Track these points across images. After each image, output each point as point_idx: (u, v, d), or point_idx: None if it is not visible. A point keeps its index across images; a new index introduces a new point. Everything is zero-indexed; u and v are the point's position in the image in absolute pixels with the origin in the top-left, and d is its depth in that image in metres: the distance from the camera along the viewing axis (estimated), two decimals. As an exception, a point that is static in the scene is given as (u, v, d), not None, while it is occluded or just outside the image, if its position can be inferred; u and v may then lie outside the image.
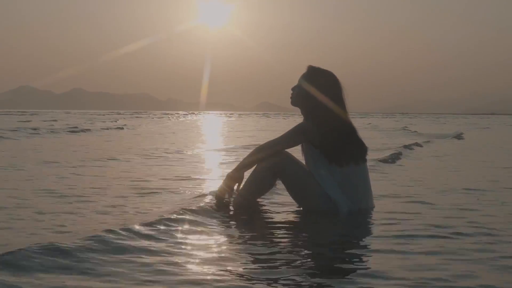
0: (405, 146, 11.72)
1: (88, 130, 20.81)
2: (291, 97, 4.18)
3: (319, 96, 4.04)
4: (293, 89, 4.18)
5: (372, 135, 18.86)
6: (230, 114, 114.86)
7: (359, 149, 4.08)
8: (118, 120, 39.41)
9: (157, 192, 4.93)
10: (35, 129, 19.42)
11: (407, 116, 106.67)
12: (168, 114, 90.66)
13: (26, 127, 20.68)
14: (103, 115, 67.90)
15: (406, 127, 28.87)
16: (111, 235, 2.97)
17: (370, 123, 38.18)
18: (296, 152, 4.18)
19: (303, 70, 4.18)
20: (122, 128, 23.36)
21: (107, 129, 22.83)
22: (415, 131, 22.66)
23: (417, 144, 12.73)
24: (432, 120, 59.77)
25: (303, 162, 4.17)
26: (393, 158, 8.90)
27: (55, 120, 35.72)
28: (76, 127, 22.72)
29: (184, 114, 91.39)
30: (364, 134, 18.59)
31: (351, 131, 4.09)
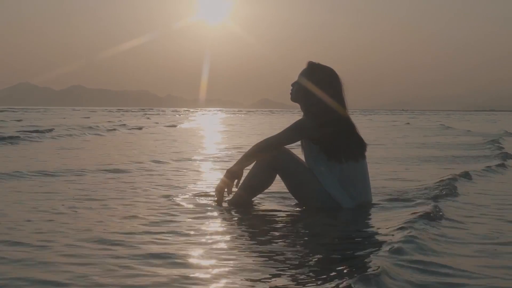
0: (490, 143, 11.82)
1: (140, 128, 20.83)
2: (290, 93, 4.19)
3: (318, 92, 4.04)
4: (292, 85, 4.19)
5: (425, 133, 18.97)
6: (239, 111, 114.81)
7: (358, 146, 4.08)
8: (148, 117, 39.38)
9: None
10: (90, 127, 19.43)
11: (414, 113, 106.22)
12: (177, 111, 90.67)
13: (74, 125, 20.65)
14: (120, 112, 67.58)
15: (443, 124, 28.92)
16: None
17: (401, 121, 37.96)
18: (296, 148, 4.22)
19: (303, 66, 4.17)
20: (175, 126, 23.49)
21: (153, 126, 22.91)
22: (465, 129, 22.44)
23: (495, 142, 12.77)
24: (446, 117, 59.73)
25: (303, 158, 4.18)
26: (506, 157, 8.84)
27: (88, 117, 35.71)
28: (124, 125, 22.77)
29: (194, 111, 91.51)
30: (414, 133, 18.25)
31: (350, 128, 4.09)
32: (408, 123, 31.42)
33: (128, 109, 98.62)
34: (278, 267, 2.55)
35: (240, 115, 62.79)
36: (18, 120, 27.75)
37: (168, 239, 3.06)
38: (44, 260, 2.62)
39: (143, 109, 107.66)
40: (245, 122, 33.29)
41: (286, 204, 4.25)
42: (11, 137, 12.19)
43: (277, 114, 65.30)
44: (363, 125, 26.99)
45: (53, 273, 2.43)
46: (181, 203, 4.24)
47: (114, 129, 18.64)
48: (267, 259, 2.69)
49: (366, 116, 59.71)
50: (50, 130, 16.27)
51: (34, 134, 13.86)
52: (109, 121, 27.20)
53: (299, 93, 4.14)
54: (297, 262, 2.65)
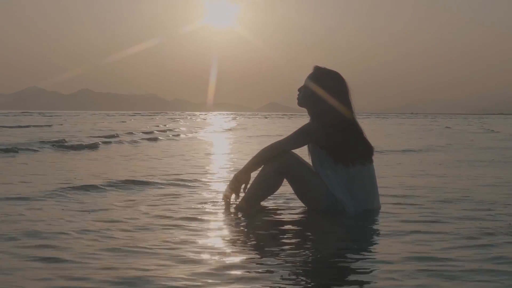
0: None
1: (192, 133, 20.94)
2: (297, 98, 4.19)
3: (325, 96, 4.04)
4: (299, 89, 4.18)
5: (485, 137, 18.91)
6: (253, 114, 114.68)
7: (365, 150, 4.06)
8: (179, 120, 39.35)
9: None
10: (148, 132, 19.51)
11: (428, 117, 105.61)
12: (194, 115, 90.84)
13: (129, 131, 20.66)
14: (137, 116, 67.37)
15: (483, 127, 28.80)
16: None
17: (439, 126, 37.62)
18: (303, 152, 4.19)
19: (310, 70, 4.18)
20: (230, 130, 23.70)
21: (200, 131, 22.93)
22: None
23: None
24: (464, 120, 59.39)
25: (310, 162, 4.17)
26: None
27: (124, 122, 35.77)
28: (170, 130, 22.79)
29: (211, 115, 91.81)
30: (479, 138, 17.76)
31: (357, 132, 4.08)
32: (449, 127, 31.04)
33: (144, 113, 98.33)
34: (281, 272, 2.56)
35: (259, 119, 62.67)
36: (60, 125, 27.92)
37: (170, 244, 3.06)
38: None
39: (157, 113, 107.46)
40: (275, 125, 33.31)
41: (292, 208, 4.25)
42: (92, 145, 12.06)
43: (294, 118, 65.15)
44: (404, 129, 26.83)
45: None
46: (188, 208, 4.22)
47: (178, 134, 18.72)
48: (272, 264, 2.69)
49: (386, 120, 59.44)
50: (115, 136, 16.01)
51: (113, 140, 13.83)
52: (155, 126, 27.22)
53: (306, 98, 4.14)
54: (300, 269, 2.66)
